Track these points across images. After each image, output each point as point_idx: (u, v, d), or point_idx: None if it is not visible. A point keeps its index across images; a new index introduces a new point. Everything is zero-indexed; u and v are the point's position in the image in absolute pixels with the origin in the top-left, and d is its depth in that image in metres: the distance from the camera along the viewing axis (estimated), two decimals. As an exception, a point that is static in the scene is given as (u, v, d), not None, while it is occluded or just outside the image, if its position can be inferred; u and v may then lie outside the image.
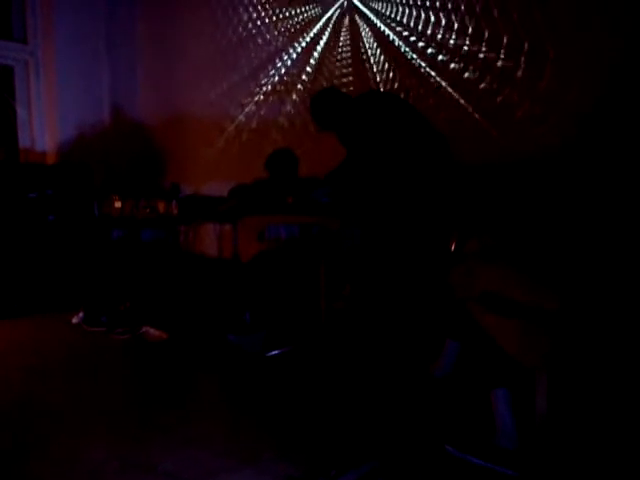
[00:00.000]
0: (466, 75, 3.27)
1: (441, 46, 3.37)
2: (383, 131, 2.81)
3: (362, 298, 3.05)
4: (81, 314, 3.79)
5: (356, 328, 3.02)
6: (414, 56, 3.54)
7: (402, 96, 3.54)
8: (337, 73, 4.07)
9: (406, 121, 2.85)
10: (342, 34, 4.03)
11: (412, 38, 3.55)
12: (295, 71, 4.35)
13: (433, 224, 2.66)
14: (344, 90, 3.66)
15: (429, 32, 3.44)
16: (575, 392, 1.86)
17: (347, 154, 2.99)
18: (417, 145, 2.78)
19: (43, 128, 5.26)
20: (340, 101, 3.05)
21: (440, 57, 3.39)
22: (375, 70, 3.82)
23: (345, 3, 3.96)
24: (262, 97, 4.58)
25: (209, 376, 2.81)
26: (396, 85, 3.67)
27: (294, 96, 4.36)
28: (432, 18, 3.41)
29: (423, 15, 3.46)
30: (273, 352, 3.07)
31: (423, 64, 3.49)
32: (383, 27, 3.73)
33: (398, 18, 3.62)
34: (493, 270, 2.01)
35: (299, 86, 4.32)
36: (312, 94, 3.36)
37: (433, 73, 3.44)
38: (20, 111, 5.22)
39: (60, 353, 3.20)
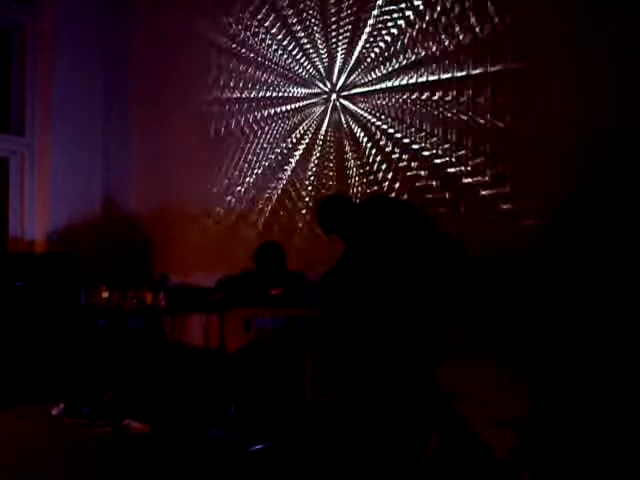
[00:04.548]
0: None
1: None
2: (389, 236, 2.90)
3: (348, 389, 3.07)
4: (62, 405, 3.73)
5: (342, 420, 3.02)
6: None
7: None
8: (324, 173, 4.30)
9: (412, 225, 2.95)
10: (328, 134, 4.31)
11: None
12: (283, 165, 4.57)
13: (424, 320, 2.72)
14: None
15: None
16: None
17: (346, 249, 3.06)
18: (421, 248, 2.85)
19: (34, 218, 5.37)
20: (347, 208, 3.14)
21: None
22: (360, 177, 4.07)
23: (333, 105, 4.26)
24: (250, 191, 4.78)
25: (191, 472, 2.76)
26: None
27: (281, 191, 4.57)
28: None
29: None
30: (257, 446, 3.04)
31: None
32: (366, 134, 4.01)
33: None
34: (474, 371, 2.10)
35: (287, 181, 4.53)
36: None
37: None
38: (13, 201, 5.34)
39: (38, 447, 3.11)
